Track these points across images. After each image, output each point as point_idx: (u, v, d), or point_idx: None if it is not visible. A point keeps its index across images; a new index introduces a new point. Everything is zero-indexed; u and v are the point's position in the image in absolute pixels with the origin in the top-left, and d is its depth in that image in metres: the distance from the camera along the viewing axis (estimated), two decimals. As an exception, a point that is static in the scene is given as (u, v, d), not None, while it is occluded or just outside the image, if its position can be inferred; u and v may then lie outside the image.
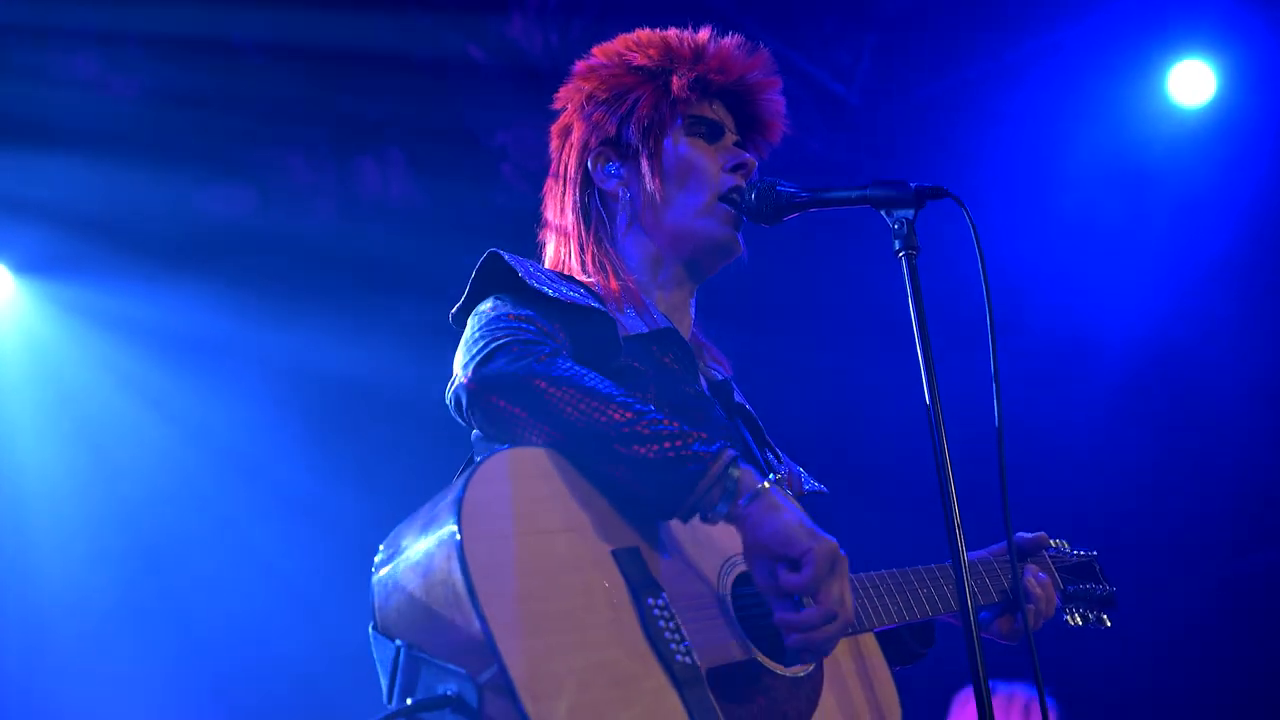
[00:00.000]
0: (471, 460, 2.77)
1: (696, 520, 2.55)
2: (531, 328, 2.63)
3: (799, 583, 2.47)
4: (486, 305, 2.72)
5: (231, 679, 6.40)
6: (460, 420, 2.68)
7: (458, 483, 2.40)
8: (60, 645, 6.30)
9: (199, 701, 6.41)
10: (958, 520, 2.52)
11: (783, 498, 2.51)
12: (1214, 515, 6.76)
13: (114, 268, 6.34)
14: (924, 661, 3.11)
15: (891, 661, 2.89)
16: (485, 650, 2.24)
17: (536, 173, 3.18)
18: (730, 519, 2.51)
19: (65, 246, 6.33)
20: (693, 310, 3.06)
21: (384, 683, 2.37)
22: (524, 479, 2.46)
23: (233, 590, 6.49)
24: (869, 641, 2.83)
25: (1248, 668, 6.51)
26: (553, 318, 2.71)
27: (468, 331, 2.68)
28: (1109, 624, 3.31)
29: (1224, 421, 6.80)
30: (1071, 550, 3.31)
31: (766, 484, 2.50)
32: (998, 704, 5.46)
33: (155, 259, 6.31)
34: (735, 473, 2.48)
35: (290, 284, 6.39)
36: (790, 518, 2.47)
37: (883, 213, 2.70)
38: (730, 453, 2.50)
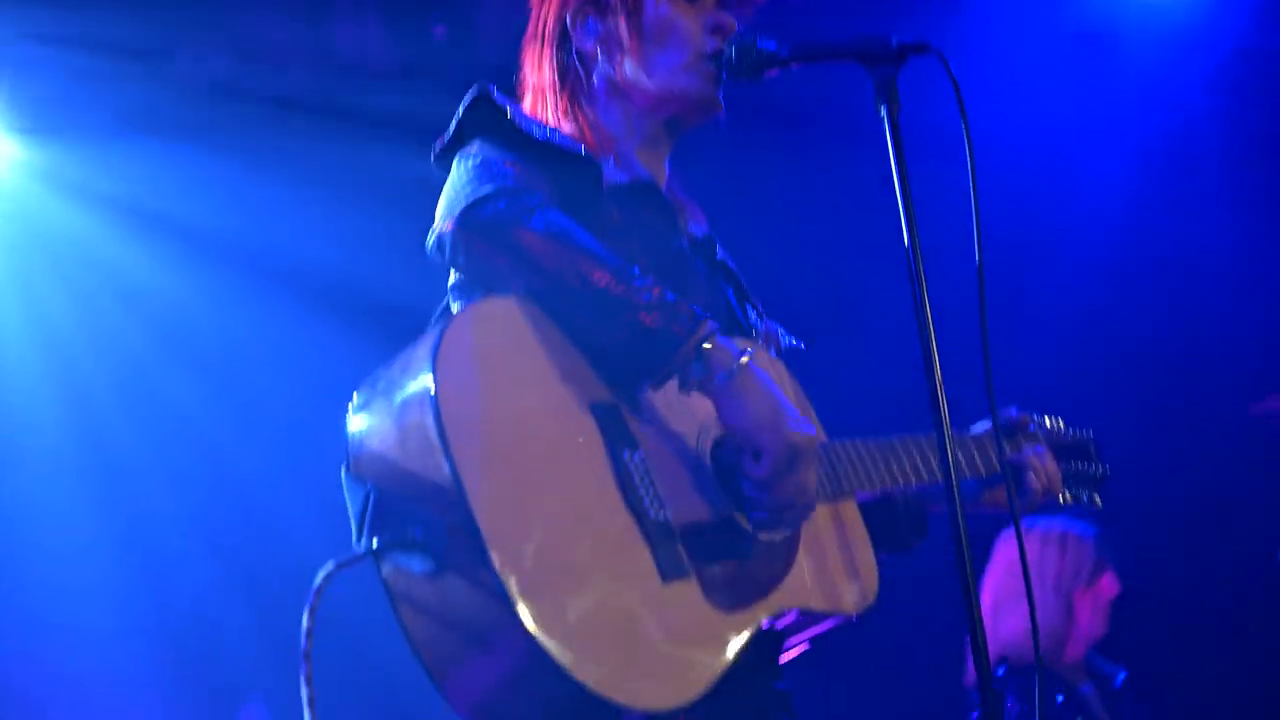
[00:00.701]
0: (448, 307, 2.77)
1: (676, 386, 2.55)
2: (518, 176, 2.61)
3: (757, 474, 2.50)
4: (472, 149, 2.70)
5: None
6: (441, 262, 2.67)
7: (434, 330, 2.39)
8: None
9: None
10: (939, 380, 2.52)
11: (757, 379, 2.51)
12: (1214, 375, 6.75)
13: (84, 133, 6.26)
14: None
15: (880, 548, 2.89)
16: (454, 496, 2.25)
17: (516, 30, 3.14)
18: (703, 390, 2.51)
19: (28, 107, 6.23)
20: (668, 167, 3.04)
21: (354, 525, 2.38)
22: (503, 329, 2.46)
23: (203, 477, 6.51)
24: (850, 509, 2.84)
25: (1255, 517, 6.53)
26: (538, 162, 2.69)
27: (453, 175, 2.66)
28: (1100, 505, 3.33)
29: (1217, 282, 6.79)
30: (1067, 429, 3.32)
31: (744, 360, 2.50)
32: (1067, 544, 5.44)
33: (127, 125, 6.22)
34: (709, 346, 2.48)
35: (270, 145, 6.33)
36: (756, 405, 2.48)
37: (865, 69, 2.67)
38: (710, 326, 2.49)
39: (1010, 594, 5.49)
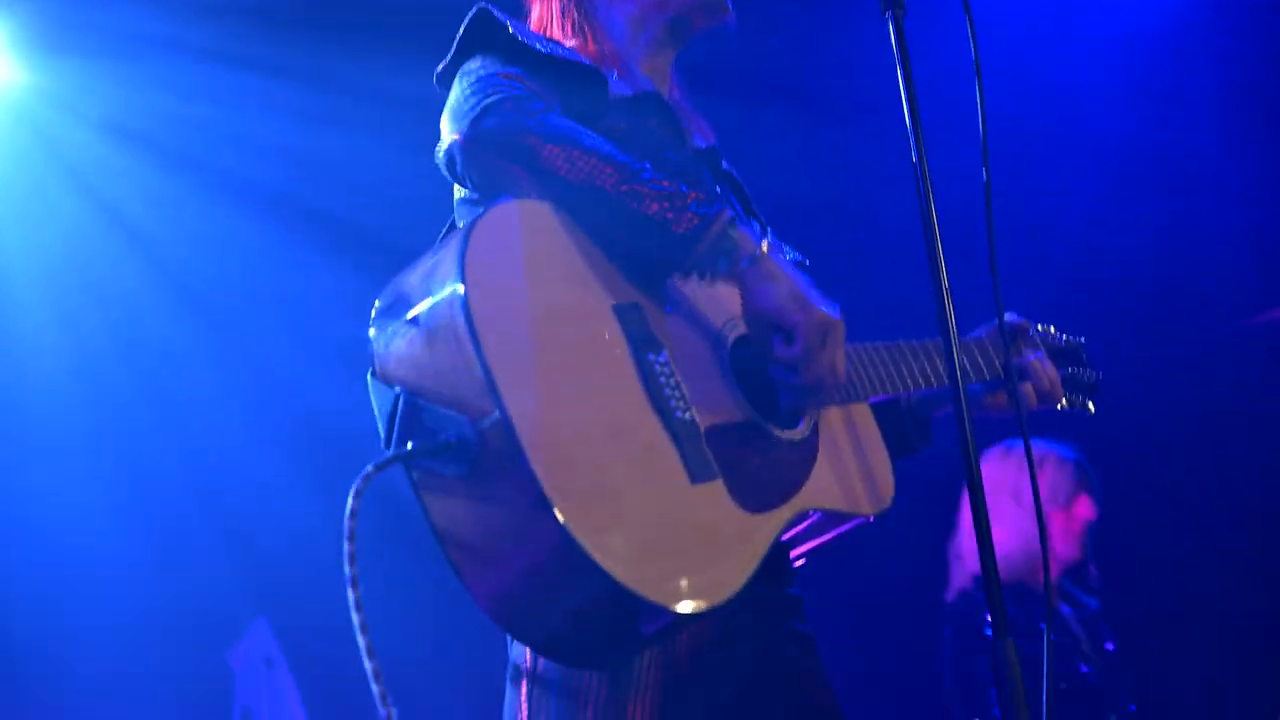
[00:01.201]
0: (454, 224, 2.77)
1: (697, 279, 2.57)
2: (522, 86, 2.60)
3: (790, 355, 2.52)
4: (474, 64, 2.68)
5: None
6: (452, 179, 2.67)
7: (460, 231, 2.39)
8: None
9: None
10: (946, 285, 2.53)
11: (779, 264, 2.53)
12: (1217, 279, 6.75)
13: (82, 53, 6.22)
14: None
15: (891, 451, 2.92)
16: (487, 397, 2.24)
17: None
18: (729, 278, 2.53)
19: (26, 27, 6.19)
20: (673, 75, 3.04)
21: (381, 429, 2.38)
22: (527, 231, 2.46)
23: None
24: (862, 412, 2.86)
25: (1255, 422, 6.56)
26: (542, 75, 2.68)
27: (456, 91, 2.65)
28: (1093, 410, 3.36)
29: (1214, 194, 6.78)
30: (1060, 335, 3.35)
31: (765, 247, 2.52)
32: (1049, 464, 5.50)
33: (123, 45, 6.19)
34: (733, 234, 2.50)
35: (269, 64, 6.29)
36: (783, 288, 2.50)
37: None
38: (728, 214, 2.51)
39: (969, 530, 5.56)
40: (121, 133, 6.39)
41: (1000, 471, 5.52)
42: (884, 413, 2.95)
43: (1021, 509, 5.43)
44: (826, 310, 2.53)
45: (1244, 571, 6.50)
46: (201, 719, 6.19)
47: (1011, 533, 5.33)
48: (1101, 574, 5.75)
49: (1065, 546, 5.46)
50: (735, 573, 2.40)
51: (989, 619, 5.25)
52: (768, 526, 2.51)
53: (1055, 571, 5.50)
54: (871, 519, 2.74)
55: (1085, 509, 5.53)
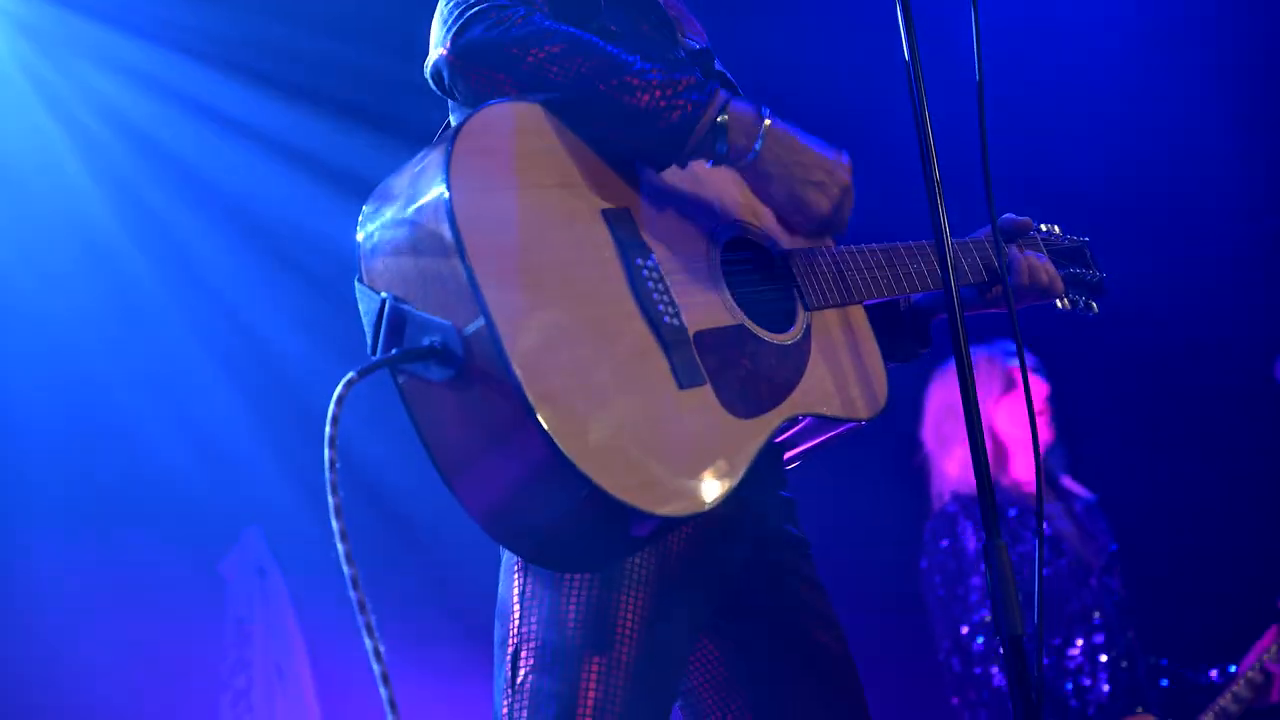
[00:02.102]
0: (449, 125, 2.71)
1: (689, 183, 2.55)
2: None
3: (820, 216, 2.63)
4: None
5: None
6: (440, 93, 2.63)
7: (448, 134, 2.36)
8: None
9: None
10: (938, 181, 2.52)
11: (781, 143, 2.56)
12: (1218, 185, 6.71)
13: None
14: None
15: (887, 359, 2.87)
16: (471, 302, 2.23)
17: None
18: (730, 163, 2.54)
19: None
20: None
21: (368, 335, 2.37)
22: (515, 134, 2.43)
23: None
24: (858, 315, 2.83)
25: (1255, 327, 6.54)
26: None
27: (441, 1, 2.61)
28: (1096, 310, 3.33)
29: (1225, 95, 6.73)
30: (1064, 235, 3.31)
31: (767, 124, 2.53)
32: (979, 367, 5.51)
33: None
34: (725, 118, 2.49)
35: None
36: (791, 177, 2.59)
37: None
38: (722, 96, 2.49)
39: (946, 436, 5.57)
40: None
41: (946, 391, 5.54)
42: (883, 318, 2.92)
43: (955, 419, 5.46)
44: (837, 168, 2.63)
45: (1241, 485, 6.51)
46: (195, 630, 6.20)
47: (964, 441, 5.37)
48: (1088, 467, 5.77)
49: (1017, 429, 5.46)
50: (723, 478, 2.39)
51: (965, 532, 5.31)
52: (758, 432, 2.49)
53: (1016, 463, 5.50)
54: (865, 423, 2.71)
55: (1034, 385, 5.53)
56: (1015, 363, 5.53)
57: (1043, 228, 3.26)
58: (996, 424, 5.50)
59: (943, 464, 5.57)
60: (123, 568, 6.06)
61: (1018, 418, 5.48)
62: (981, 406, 5.32)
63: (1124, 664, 5.31)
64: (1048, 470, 5.56)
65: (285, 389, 6.30)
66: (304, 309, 6.28)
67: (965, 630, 5.21)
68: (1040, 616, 2.53)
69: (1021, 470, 5.48)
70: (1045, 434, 5.54)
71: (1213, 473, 6.53)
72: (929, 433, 5.69)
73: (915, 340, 3.04)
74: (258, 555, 6.24)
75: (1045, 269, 3.06)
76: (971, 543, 5.32)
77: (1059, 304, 3.21)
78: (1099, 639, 5.28)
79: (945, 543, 5.38)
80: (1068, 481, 5.67)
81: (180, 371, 6.34)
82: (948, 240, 2.51)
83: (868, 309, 2.85)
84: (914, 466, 5.75)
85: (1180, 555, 6.39)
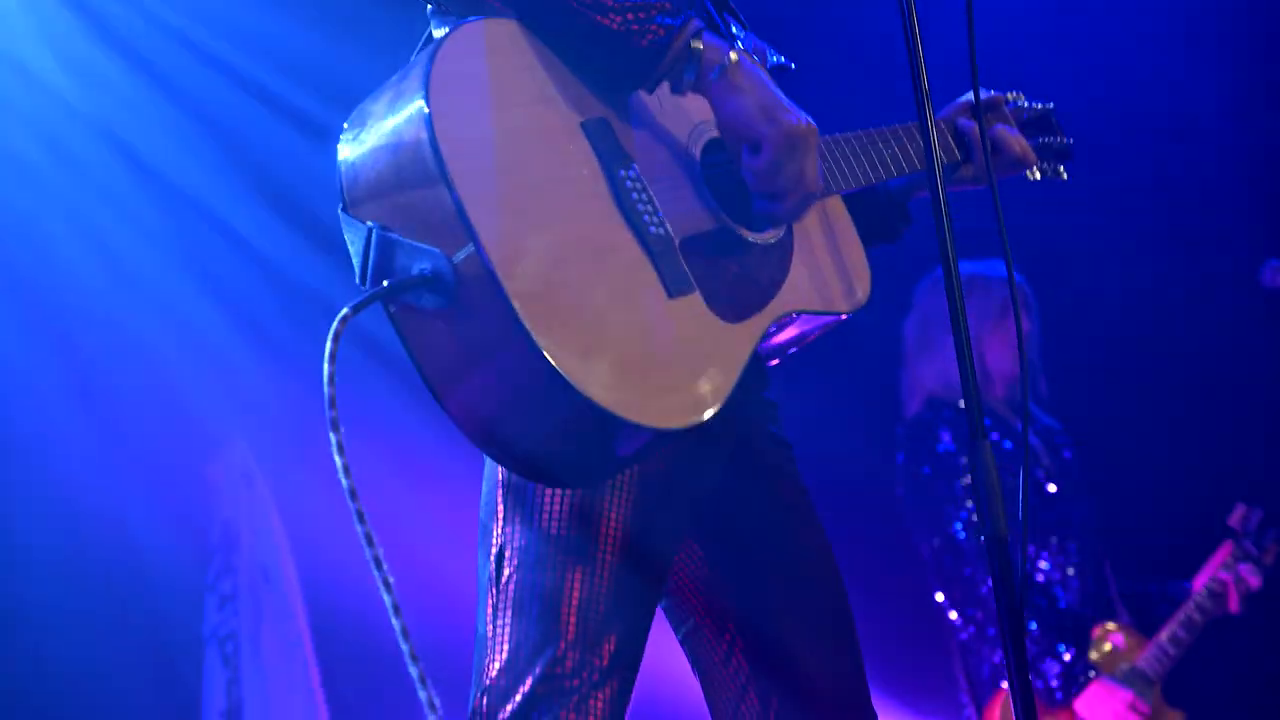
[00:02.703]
0: (430, 37, 2.68)
1: (665, 91, 2.52)
2: None
3: (757, 166, 2.49)
4: None
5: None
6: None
7: (424, 55, 2.34)
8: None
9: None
10: (922, 62, 2.52)
11: (747, 74, 2.49)
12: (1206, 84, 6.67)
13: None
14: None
15: (871, 242, 2.88)
16: (459, 228, 2.22)
17: None
18: (697, 89, 2.50)
19: None
20: None
21: (356, 266, 2.35)
22: (493, 51, 2.41)
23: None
24: (837, 207, 2.83)
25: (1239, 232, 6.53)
26: None
27: None
28: (1065, 177, 3.33)
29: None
30: (1029, 103, 3.29)
31: (733, 57, 2.48)
32: (974, 286, 5.52)
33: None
34: (699, 45, 2.45)
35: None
36: (748, 101, 2.48)
37: None
38: (696, 24, 2.46)
39: (926, 342, 5.57)
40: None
41: (933, 302, 5.54)
42: (862, 201, 2.91)
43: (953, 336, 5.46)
44: (795, 119, 2.50)
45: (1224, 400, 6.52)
46: (182, 535, 6.21)
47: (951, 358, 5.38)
48: (1057, 390, 5.78)
49: (1006, 362, 5.48)
50: (719, 386, 2.40)
51: (942, 437, 5.34)
52: (748, 335, 2.50)
53: (1001, 388, 5.52)
54: (849, 316, 2.71)
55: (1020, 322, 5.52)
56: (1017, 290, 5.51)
57: (1009, 96, 3.24)
58: (987, 349, 5.50)
59: (920, 368, 5.58)
60: (107, 473, 6.06)
61: (1007, 351, 5.49)
62: (974, 329, 5.38)
63: (1090, 577, 5.36)
64: (1015, 396, 5.57)
65: (275, 298, 6.28)
66: (294, 214, 6.23)
67: (955, 528, 5.24)
68: (1025, 518, 2.54)
69: (999, 393, 5.49)
70: (1018, 367, 5.54)
71: (1170, 391, 6.54)
72: (912, 334, 5.69)
73: (897, 219, 3.01)
74: (243, 462, 6.25)
75: (1018, 141, 3.05)
76: (948, 447, 5.34)
77: (1030, 175, 3.20)
78: (1067, 551, 5.32)
79: (923, 445, 5.39)
80: (1041, 414, 5.69)
81: (168, 277, 6.30)
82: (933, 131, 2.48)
83: (846, 197, 2.84)
84: (889, 365, 5.75)
85: (1144, 472, 6.43)
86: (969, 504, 5.23)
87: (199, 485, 6.29)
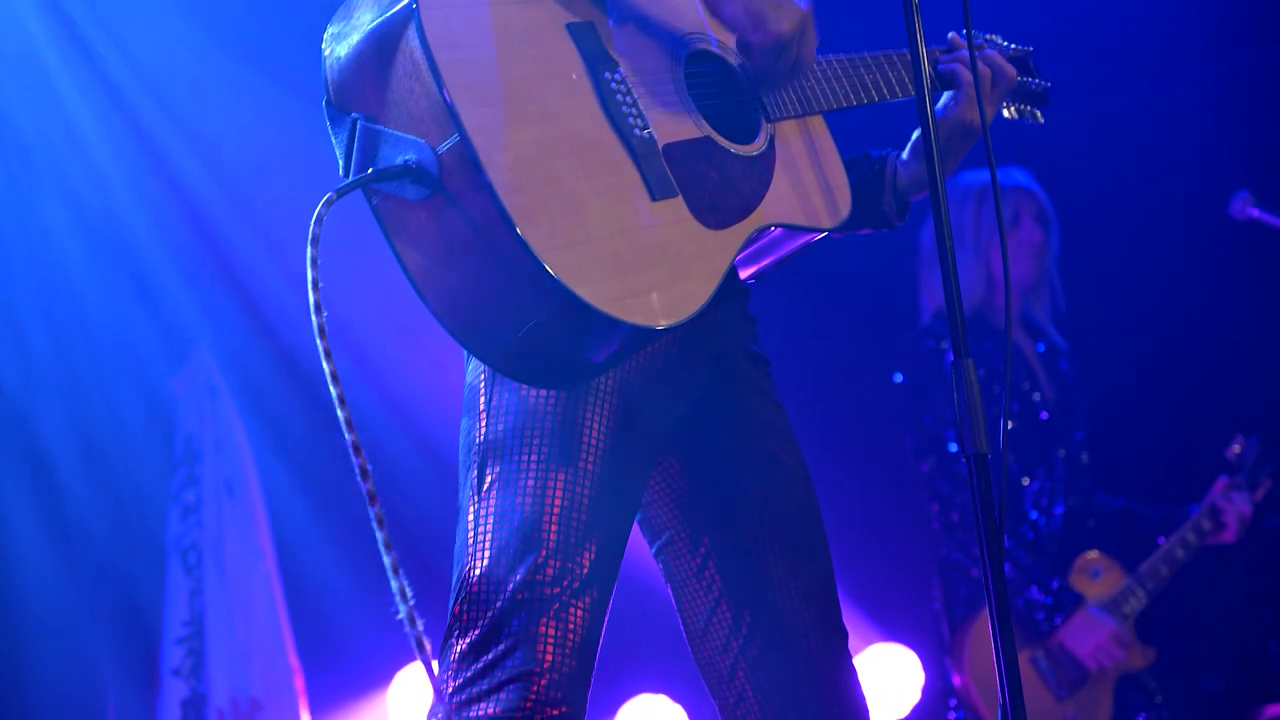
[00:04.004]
0: None
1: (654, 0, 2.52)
2: None
3: (762, 60, 2.58)
4: None
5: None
6: None
7: None
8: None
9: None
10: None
11: None
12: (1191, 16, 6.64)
13: None
14: None
15: (861, 224, 2.89)
16: (445, 119, 2.22)
17: None
18: None
19: None
20: None
21: (340, 158, 2.35)
22: None
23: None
24: (819, 126, 2.81)
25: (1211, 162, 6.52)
26: None
27: None
28: (1042, 120, 3.31)
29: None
30: (1008, 45, 3.27)
31: None
32: (953, 200, 5.51)
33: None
34: None
35: None
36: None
37: None
38: None
39: (929, 258, 5.57)
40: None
41: (954, 210, 5.52)
42: (866, 186, 2.89)
43: (962, 246, 5.46)
44: (791, 9, 2.54)
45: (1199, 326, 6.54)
46: (146, 446, 6.18)
47: (962, 266, 5.38)
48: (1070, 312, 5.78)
49: (1015, 269, 5.46)
50: (697, 290, 2.40)
51: (946, 356, 5.32)
52: (728, 243, 2.50)
53: (1016, 300, 5.49)
54: (830, 232, 2.71)
55: (1029, 231, 5.53)
56: (1025, 199, 5.49)
57: (988, 38, 3.22)
58: (993, 259, 5.49)
59: (931, 280, 5.58)
60: (71, 384, 6.02)
61: (1023, 257, 5.49)
62: (984, 237, 5.36)
63: (1077, 503, 5.38)
64: (1032, 317, 5.57)
65: (238, 206, 6.22)
66: (258, 111, 6.15)
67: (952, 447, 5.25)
68: (1005, 438, 2.54)
69: (1013, 305, 5.48)
70: (1031, 277, 5.54)
71: (1168, 324, 6.56)
72: (926, 244, 5.69)
73: (894, 214, 2.95)
74: (207, 373, 6.21)
75: (1007, 68, 3.00)
76: (947, 367, 5.34)
77: (1005, 113, 3.19)
78: (1056, 479, 5.34)
79: (930, 356, 5.39)
80: (1050, 329, 5.67)
81: (134, 186, 6.23)
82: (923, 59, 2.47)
83: (851, 168, 2.84)
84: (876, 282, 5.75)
85: (1140, 401, 6.46)
86: None
87: (163, 397, 6.26)
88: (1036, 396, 5.43)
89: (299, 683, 5.98)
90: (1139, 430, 6.34)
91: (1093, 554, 5.33)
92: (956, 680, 5.18)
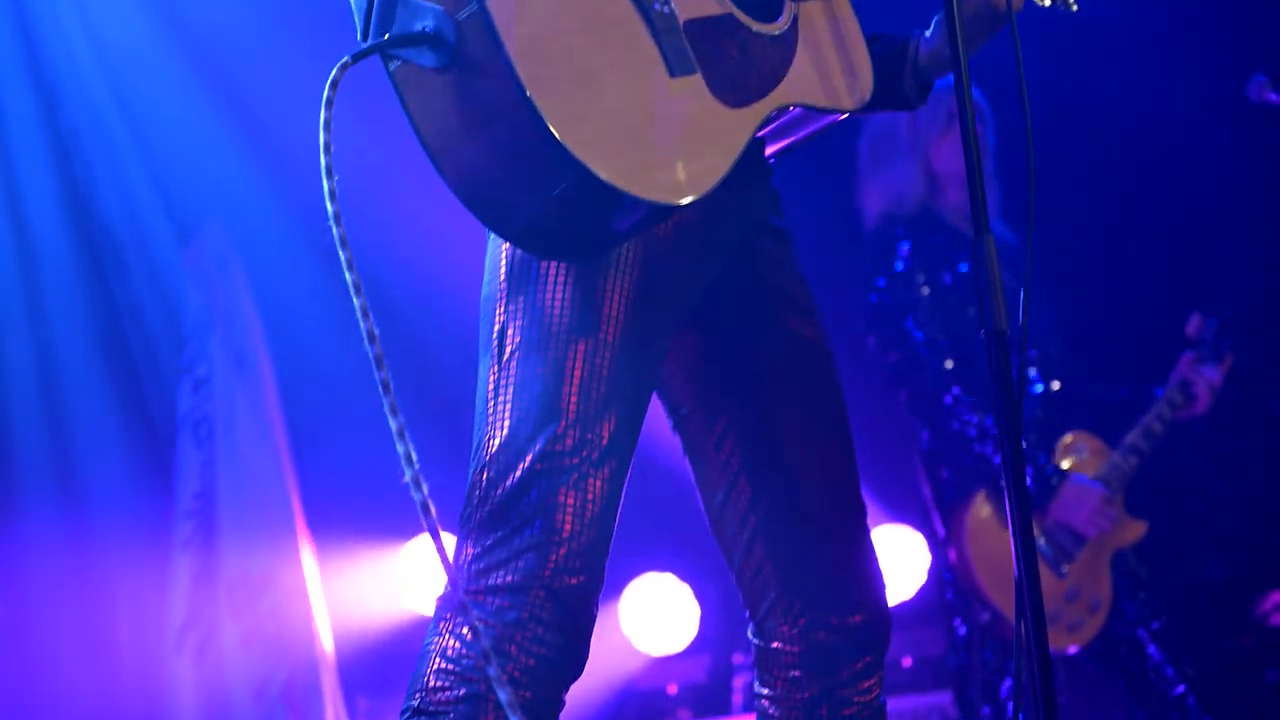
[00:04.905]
0: None
1: None
2: None
3: None
4: None
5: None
6: None
7: None
8: None
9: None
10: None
11: None
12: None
13: None
14: None
15: (881, 105, 2.84)
16: None
17: None
18: None
19: None
20: None
21: (358, 22, 2.34)
22: None
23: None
24: (844, 7, 2.77)
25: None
26: None
27: None
28: (1075, 7, 3.26)
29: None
30: None
31: None
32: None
33: None
34: None
35: None
36: None
37: None
38: None
39: (875, 159, 5.55)
40: None
41: (880, 119, 5.52)
42: (886, 66, 2.85)
43: (896, 153, 5.47)
44: None
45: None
46: (157, 319, 6.19)
47: (901, 167, 5.42)
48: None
49: (955, 163, 5.42)
50: (713, 166, 2.38)
51: (900, 251, 5.30)
52: (746, 120, 2.48)
53: (953, 194, 5.47)
54: (851, 113, 2.69)
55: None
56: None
57: None
58: (935, 159, 5.47)
59: (874, 184, 5.57)
60: (83, 257, 6.02)
61: (956, 153, 5.45)
62: (920, 134, 5.34)
63: (1056, 386, 5.41)
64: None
65: (254, 79, 6.18)
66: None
67: (916, 339, 5.26)
68: (1025, 318, 2.54)
69: (951, 200, 5.46)
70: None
71: (1134, 201, 6.54)
72: (864, 151, 5.67)
73: (915, 96, 2.91)
74: (219, 246, 6.21)
75: None
76: (906, 260, 5.34)
77: (1040, 1, 3.14)
78: (1032, 357, 5.36)
79: (882, 259, 5.39)
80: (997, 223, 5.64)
81: (147, 56, 6.18)
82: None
83: (872, 46, 2.80)
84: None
85: (1107, 281, 6.46)
86: (927, 321, 5.27)
87: (175, 270, 6.26)
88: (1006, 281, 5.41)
89: (309, 555, 6.04)
90: (1103, 314, 6.36)
91: (1074, 434, 5.37)
92: (953, 555, 5.23)
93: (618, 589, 6.51)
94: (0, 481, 5.83)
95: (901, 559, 6.30)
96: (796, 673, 2.70)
